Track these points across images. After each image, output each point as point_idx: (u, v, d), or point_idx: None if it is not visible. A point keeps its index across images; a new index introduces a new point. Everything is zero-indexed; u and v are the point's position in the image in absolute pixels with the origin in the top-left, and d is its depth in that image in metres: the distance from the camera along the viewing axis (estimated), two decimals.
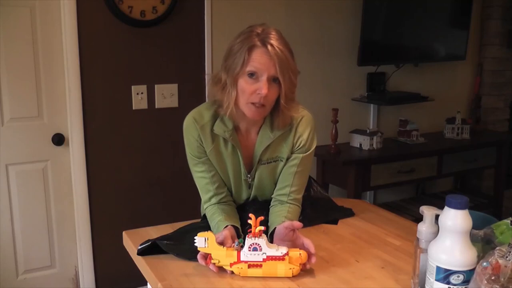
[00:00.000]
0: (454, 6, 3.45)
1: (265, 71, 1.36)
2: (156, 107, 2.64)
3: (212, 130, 1.46)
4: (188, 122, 1.49)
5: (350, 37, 3.12)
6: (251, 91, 1.37)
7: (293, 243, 1.32)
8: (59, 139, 2.48)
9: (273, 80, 1.37)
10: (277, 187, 1.55)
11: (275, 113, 1.47)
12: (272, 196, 1.55)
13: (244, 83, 1.38)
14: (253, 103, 1.38)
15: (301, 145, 1.52)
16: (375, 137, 3.05)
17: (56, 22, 2.39)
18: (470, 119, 3.60)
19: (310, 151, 1.54)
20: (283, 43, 1.37)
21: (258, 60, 1.35)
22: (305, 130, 1.52)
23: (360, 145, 3.07)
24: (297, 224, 1.33)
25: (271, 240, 1.38)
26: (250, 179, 1.53)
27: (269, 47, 1.35)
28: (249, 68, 1.36)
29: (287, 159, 1.52)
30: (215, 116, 1.47)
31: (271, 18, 2.79)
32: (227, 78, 1.40)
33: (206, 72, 2.73)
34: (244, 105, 1.40)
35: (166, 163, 2.71)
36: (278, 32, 1.40)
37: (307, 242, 1.29)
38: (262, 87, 1.35)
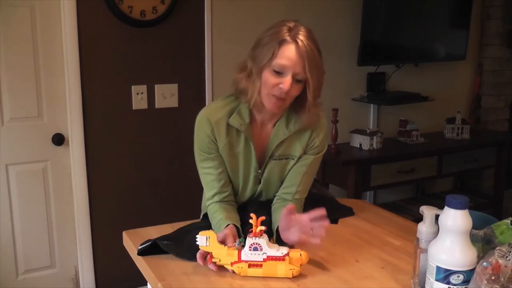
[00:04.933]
0: (454, 6, 3.45)
1: (291, 69, 1.36)
2: (156, 107, 2.64)
3: (227, 123, 1.46)
4: (202, 118, 1.48)
5: (350, 37, 3.12)
6: (273, 84, 1.37)
7: (301, 227, 1.32)
8: (59, 139, 2.48)
9: (297, 79, 1.38)
10: (283, 185, 1.55)
11: (300, 111, 1.47)
12: (276, 194, 1.56)
13: (268, 75, 1.38)
14: (273, 95, 1.38)
15: (315, 146, 1.52)
16: (375, 137, 3.05)
17: (56, 22, 2.39)
18: (470, 119, 3.60)
19: (322, 153, 1.55)
20: (313, 41, 1.38)
21: (287, 56, 1.35)
22: (321, 132, 1.53)
23: (360, 145, 3.07)
24: (290, 206, 1.34)
25: (278, 236, 1.38)
26: (260, 175, 1.53)
27: (299, 43, 1.35)
28: (275, 63, 1.36)
29: (299, 158, 1.53)
30: (232, 110, 1.47)
31: (271, 18, 2.75)
32: (253, 67, 1.41)
33: (206, 72, 2.73)
34: (265, 95, 1.40)
35: (166, 163, 2.71)
36: (309, 30, 1.41)
37: (307, 216, 1.30)
38: (286, 82, 1.36)
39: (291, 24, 1.39)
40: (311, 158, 1.53)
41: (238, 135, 1.48)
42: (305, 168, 1.53)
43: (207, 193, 1.53)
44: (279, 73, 1.37)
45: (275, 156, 1.51)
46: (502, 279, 0.95)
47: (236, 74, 1.47)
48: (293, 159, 1.53)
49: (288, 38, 1.36)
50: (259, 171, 1.52)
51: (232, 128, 1.47)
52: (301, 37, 1.36)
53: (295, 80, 1.37)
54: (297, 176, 1.53)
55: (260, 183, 1.54)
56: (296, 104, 1.45)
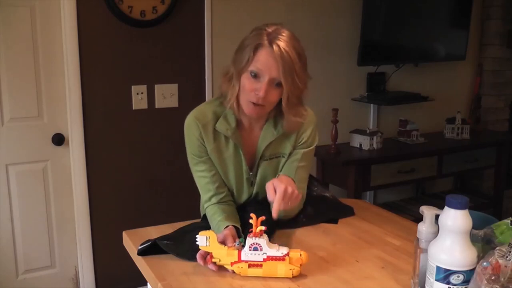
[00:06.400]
0: (454, 6, 3.45)
1: (267, 73, 1.35)
2: (156, 107, 2.64)
3: (214, 128, 1.46)
4: (190, 121, 1.49)
5: (350, 37, 3.12)
6: (250, 89, 1.37)
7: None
8: (59, 139, 2.48)
9: (276, 83, 1.37)
10: None
11: (280, 115, 1.47)
12: None
13: (245, 80, 1.38)
14: (251, 101, 1.39)
15: (303, 141, 1.53)
16: (375, 137, 3.05)
17: (56, 22, 2.39)
18: (470, 119, 3.60)
19: (312, 147, 1.56)
20: (291, 46, 1.35)
21: (262, 60, 1.35)
22: (308, 127, 1.53)
23: (360, 145, 3.07)
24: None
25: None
26: (253, 177, 1.53)
27: (275, 47, 1.33)
28: (251, 68, 1.37)
29: (289, 154, 1.53)
30: (218, 114, 1.48)
31: (271, 18, 2.75)
32: (234, 71, 1.41)
33: (206, 72, 2.73)
34: (243, 100, 1.41)
35: (166, 163, 2.71)
36: (291, 34, 1.38)
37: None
38: (261, 88, 1.36)
39: (272, 28, 1.37)
40: (301, 153, 1.53)
41: (227, 140, 1.48)
42: (296, 163, 1.53)
43: (204, 195, 1.53)
44: (256, 77, 1.36)
45: (266, 157, 1.52)
46: (502, 279, 0.95)
47: (221, 77, 1.48)
48: (283, 157, 1.54)
49: (265, 42, 1.35)
50: (251, 173, 1.53)
51: (220, 133, 1.47)
52: (278, 41, 1.34)
53: (274, 85, 1.37)
54: (290, 172, 1.53)
55: (253, 185, 1.55)
56: (281, 107, 1.45)
